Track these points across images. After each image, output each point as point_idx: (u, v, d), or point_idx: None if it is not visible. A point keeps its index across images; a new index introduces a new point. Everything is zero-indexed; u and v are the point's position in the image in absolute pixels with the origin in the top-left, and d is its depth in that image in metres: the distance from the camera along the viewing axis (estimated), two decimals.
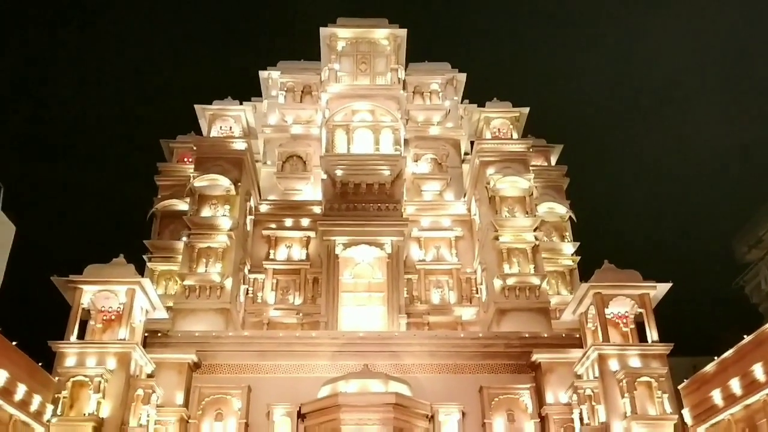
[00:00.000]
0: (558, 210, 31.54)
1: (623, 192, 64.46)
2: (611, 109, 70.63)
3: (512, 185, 29.27)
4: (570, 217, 31.58)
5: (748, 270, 41.58)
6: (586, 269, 28.47)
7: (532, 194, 29.34)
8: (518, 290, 26.93)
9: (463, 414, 23.53)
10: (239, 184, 28.85)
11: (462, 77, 35.95)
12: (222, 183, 28.67)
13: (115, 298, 22.28)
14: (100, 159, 64.80)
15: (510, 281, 26.84)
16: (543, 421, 23.37)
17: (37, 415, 18.93)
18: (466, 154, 33.96)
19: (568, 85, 70.10)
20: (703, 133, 63.36)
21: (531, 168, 30.41)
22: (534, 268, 27.47)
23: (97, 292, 22.23)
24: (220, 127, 31.85)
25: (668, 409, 20.91)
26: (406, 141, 32.37)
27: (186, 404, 23.14)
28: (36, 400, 18.81)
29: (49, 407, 19.63)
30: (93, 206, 57.29)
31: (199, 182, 28.73)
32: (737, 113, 63.16)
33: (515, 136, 31.71)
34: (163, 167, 33.02)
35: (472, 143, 32.58)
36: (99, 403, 20.10)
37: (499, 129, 31.94)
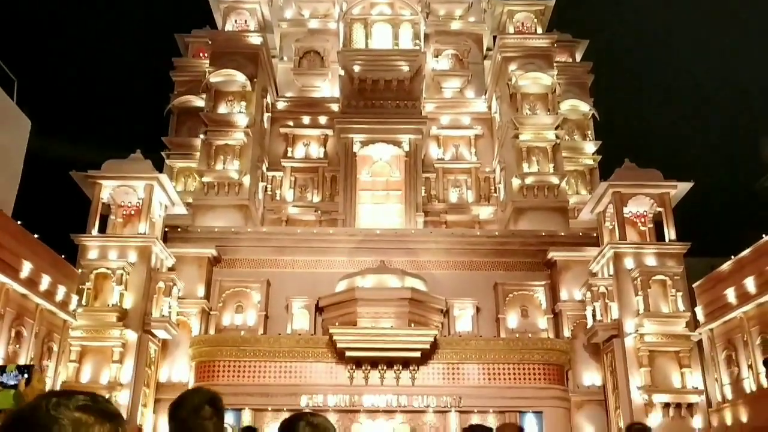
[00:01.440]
0: (581, 108, 30.76)
1: (649, 90, 62.58)
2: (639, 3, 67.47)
3: (534, 82, 28.49)
4: (593, 115, 30.83)
5: None
6: (607, 169, 28.04)
7: (554, 91, 28.59)
8: (537, 189, 26.73)
9: (478, 309, 23.99)
10: (255, 80, 28.40)
11: None
12: (238, 79, 28.23)
13: (134, 193, 22.56)
14: (116, 54, 63.87)
15: (529, 180, 26.62)
16: (556, 317, 23.76)
17: (63, 305, 19.60)
18: (488, 49, 32.88)
19: None
20: (731, 30, 60.66)
21: (555, 64, 29.52)
22: (554, 167, 27.13)
23: (116, 187, 22.53)
24: (235, 20, 30.97)
25: (681, 307, 21.09)
26: (426, 36, 31.36)
27: (207, 297, 23.80)
28: (61, 291, 19.45)
29: (74, 298, 20.30)
30: (110, 102, 56.96)
31: (215, 77, 28.31)
32: None
33: (539, 30, 30.53)
34: (179, 62, 32.50)
35: (494, 38, 31.51)
36: (122, 295, 20.75)
37: (522, 23, 30.72)
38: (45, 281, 18.54)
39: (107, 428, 1.48)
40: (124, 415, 18.88)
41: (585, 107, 30.73)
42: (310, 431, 2.38)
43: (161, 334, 21.68)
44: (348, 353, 21.47)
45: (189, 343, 22.68)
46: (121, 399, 19.83)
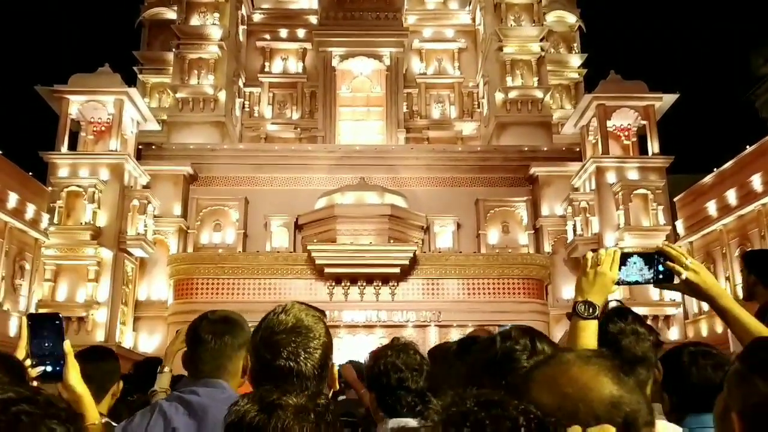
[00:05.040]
0: (567, 19, 29.63)
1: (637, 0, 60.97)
2: None
3: None
4: (579, 27, 29.81)
5: (761, 83, 39.89)
6: (592, 83, 27.30)
7: (540, 1, 27.54)
8: (520, 104, 26.10)
9: (459, 225, 23.80)
10: None
11: None
12: None
13: (104, 108, 21.78)
14: None
15: (512, 94, 25.95)
16: (537, 232, 23.64)
17: (33, 224, 19.16)
18: None
19: None
20: None
21: None
22: (538, 80, 26.41)
23: (84, 102, 21.72)
24: None
25: (662, 220, 20.97)
26: None
27: (184, 215, 23.43)
28: (30, 209, 18.97)
29: (45, 216, 19.84)
30: (77, 15, 54.68)
31: None
32: None
33: None
34: None
35: None
36: (95, 212, 20.30)
37: None
38: (12, 199, 18.05)
39: None
40: (102, 335, 18.85)
41: (571, 18, 29.67)
42: (208, 325, 2.42)
43: (137, 252, 21.41)
44: (327, 270, 21.32)
45: (167, 261, 22.43)
46: (99, 317, 19.71)
